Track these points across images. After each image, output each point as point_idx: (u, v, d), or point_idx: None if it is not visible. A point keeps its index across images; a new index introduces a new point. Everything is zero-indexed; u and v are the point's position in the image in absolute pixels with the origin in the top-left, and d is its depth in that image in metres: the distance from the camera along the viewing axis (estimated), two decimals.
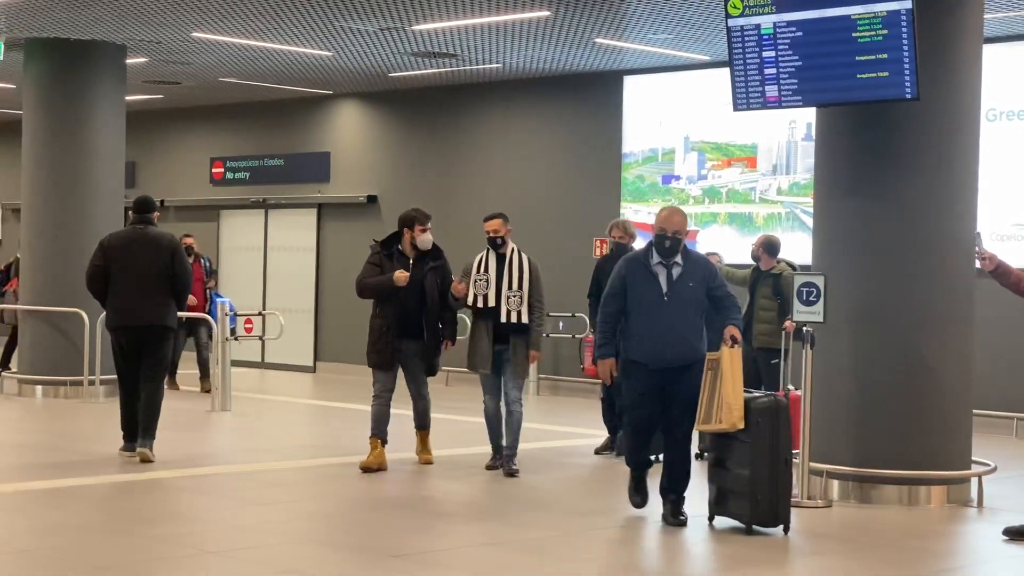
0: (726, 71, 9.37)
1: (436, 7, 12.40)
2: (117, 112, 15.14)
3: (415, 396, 10.00)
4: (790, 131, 14.82)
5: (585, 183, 16.66)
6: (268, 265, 19.85)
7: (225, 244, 20.25)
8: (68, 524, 7.83)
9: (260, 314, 14.15)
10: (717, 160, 15.50)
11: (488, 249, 9.82)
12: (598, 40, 14.07)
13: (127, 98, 15.61)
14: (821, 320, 8.84)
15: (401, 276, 9.55)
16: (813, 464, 8.96)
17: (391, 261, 9.71)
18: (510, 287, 9.62)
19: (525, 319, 9.64)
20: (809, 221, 14.07)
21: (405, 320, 9.70)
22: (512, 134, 17.46)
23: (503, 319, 9.59)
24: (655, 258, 7.91)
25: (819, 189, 9.47)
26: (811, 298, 8.85)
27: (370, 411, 9.88)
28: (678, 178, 15.81)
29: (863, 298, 9.01)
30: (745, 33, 9.05)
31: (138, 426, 9.96)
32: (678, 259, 7.86)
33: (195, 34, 14.12)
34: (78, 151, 14.76)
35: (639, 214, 16.08)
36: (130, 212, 10.35)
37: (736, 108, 9.28)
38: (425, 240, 9.78)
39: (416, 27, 13.42)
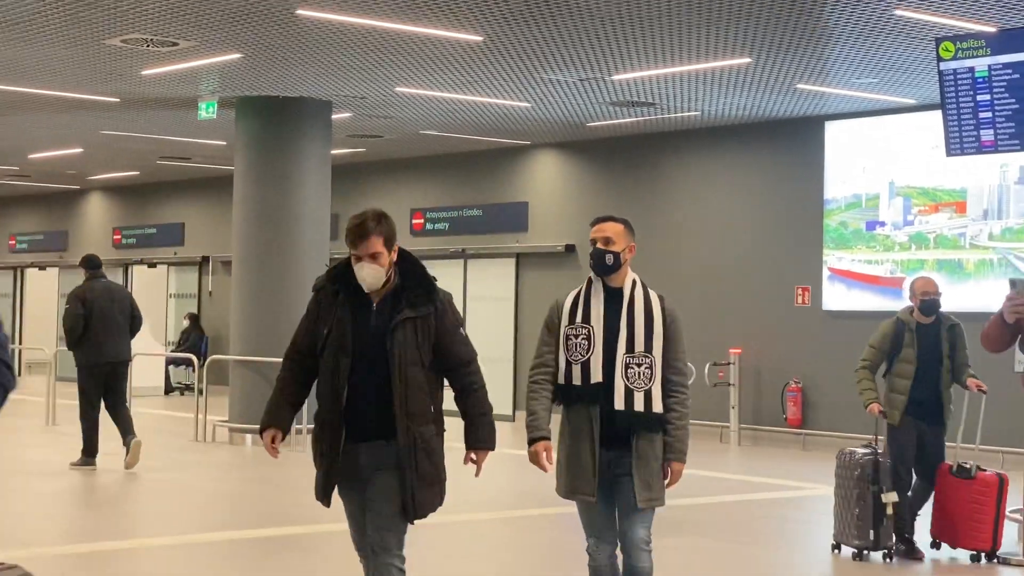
0: (933, 114, 9.19)
1: (636, 57, 12.41)
2: (323, 166, 15.55)
3: (373, 547, 5.27)
4: (1002, 175, 14.35)
5: (786, 230, 16.41)
6: (467, 314, 20.06)
7: None
8: (278, 572, 7.95)
9: None
10: (924, 205, 15.09)
11: (590, 281, 5.73)
12: (800, 86, 13.88)
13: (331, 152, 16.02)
14: None
15: (268, 449, 5.45)
16: None
17: (332, 306, 5.28)
18: (631, 348, 5.56)
19: (657, 406, 5.56)
20: None
21: (358, 407, 5.20)
22: (710, 182, 17.33)
23: (619, 406, 5.52)
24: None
25: None
26: None
27: None
28: (883, 224, 15.45)
29: None
30: (958, 77, 8.82)
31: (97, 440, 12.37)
32: None
33: (398, 88, 14.40)
34: (286, 205, 15.18)
35: (842, 261, 15.77)
36: (83, 270, 12.68)
37: (949, 153, 9.04)
38: (366, 276, 5.19)
39: (615, 77, 13.45)
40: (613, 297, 5.63)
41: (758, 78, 13.50)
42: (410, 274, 5.28)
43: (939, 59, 8.94)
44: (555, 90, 14.36)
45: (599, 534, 5.65)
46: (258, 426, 5.50)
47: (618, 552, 5.68)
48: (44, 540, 8.95)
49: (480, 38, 11.68)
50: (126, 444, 12.20)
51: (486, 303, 19.82)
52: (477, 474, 5.34)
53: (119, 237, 26.55)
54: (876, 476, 8.40)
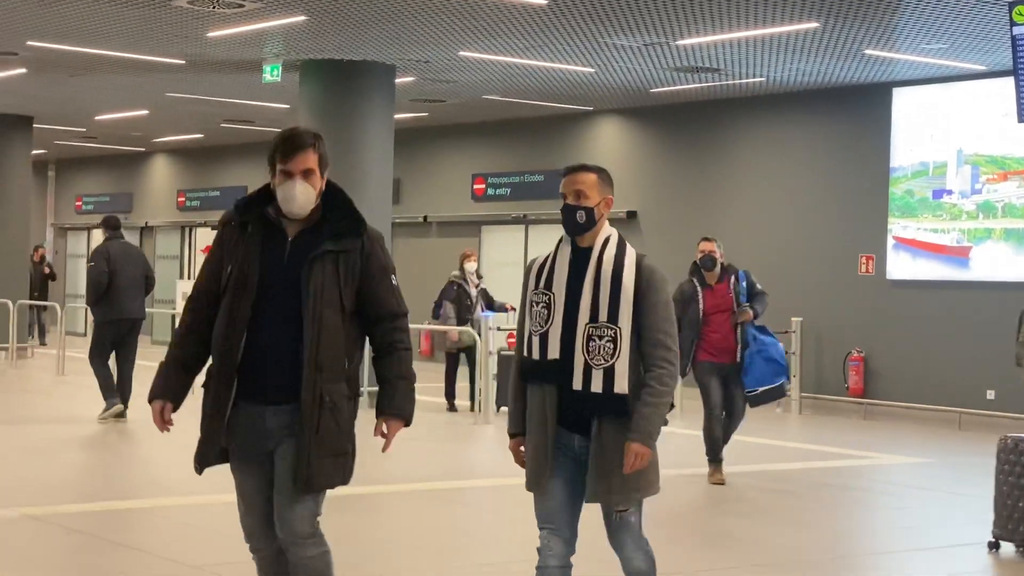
0: (1004, 81, 9.05)
1: (702, 22, 12.30)
2: (386, 130, 15.57)
3: (282, 537, 4.48)
4: None
5: (851, 198, 16.25)
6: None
7: (486, 259, 20.53)
8: (333, 534, 8.01)
9: None
10: (992, 174, 14.88)
11: (561, 241, 4.89)
12: (868, 51, 13.71)
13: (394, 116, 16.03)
14: None
15: (157, 422, 4.50)
16: None
17: (242, 238, 4.47)
18: (594, 318, 4.65)
19: (621, 386, 4.62)
20: None
21: (262, 363, 4.41)
22: (775, 149, 17.19)
23: (576, 385, 4.65)
24: None
25: None
26: None
27: None
28: (950, 192, 15.26)
29: None
30: None
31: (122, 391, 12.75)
32: None
33: (462, 53, 14.38)
34: (349, 169, 15.17)
35: (907, 230, 15.60)
36: (103, 229, 13.07)
37: (1021, 120, 8.89)
38: (291, 196, 4.44)
39: (680, 42, 13.34)
40: (581, 258, 4.75)
41: (825, 43, 13.34)
42: (335, 206, 4.52)
43: (1012, 23, 8.79)
44: (619, 55, 14.28)
45: (553, 524, 4.74)
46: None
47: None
48: (82, 495, 9.05)
49: (544, 1, 11.63)
50: (109, 407, 12.57)
51: None
52: (385, 449, 4.52)
53: (183, 199, 26.75)
54: None
